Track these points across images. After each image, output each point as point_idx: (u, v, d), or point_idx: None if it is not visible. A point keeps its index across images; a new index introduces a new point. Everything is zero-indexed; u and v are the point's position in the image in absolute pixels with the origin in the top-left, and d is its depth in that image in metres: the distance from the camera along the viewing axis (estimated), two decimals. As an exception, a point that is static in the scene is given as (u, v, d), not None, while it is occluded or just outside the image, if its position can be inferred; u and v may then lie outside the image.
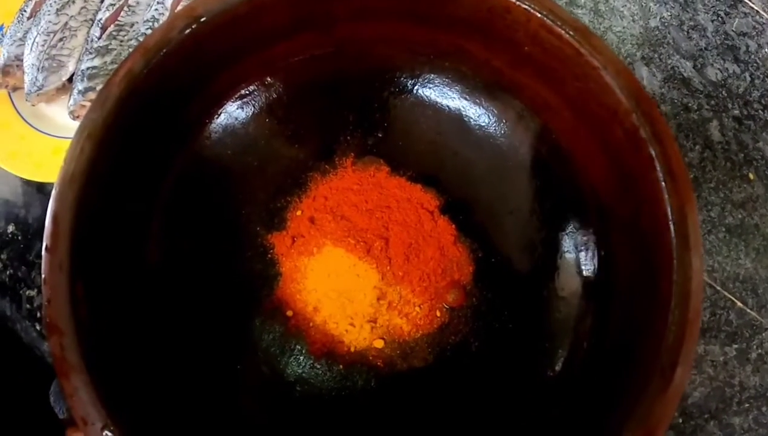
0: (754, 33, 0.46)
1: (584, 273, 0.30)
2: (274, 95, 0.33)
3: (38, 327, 0.39)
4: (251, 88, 0.33)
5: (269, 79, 0.33)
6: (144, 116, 0.29)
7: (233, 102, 0.32)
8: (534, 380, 0.30)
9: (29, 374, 0.38)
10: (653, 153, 0.26)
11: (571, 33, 0.27)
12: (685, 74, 0.44)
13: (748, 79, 0.44)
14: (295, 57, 0.32)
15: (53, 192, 0.27)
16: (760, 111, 0.43)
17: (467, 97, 0.33)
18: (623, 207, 0.28)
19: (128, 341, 0.28)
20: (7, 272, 0.40)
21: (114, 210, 0.28)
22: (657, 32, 0.45)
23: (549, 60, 0.29)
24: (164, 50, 0.28)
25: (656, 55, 0.44)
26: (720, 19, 0.46)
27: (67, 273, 0.26)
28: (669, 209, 0.25)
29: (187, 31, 0.28)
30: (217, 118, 0.32)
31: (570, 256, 0.31)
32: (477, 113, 0.33)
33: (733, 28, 0.46)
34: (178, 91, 0.30)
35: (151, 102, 0.29)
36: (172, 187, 0.31)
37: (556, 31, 0.28)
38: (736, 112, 0.43)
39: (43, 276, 0.26)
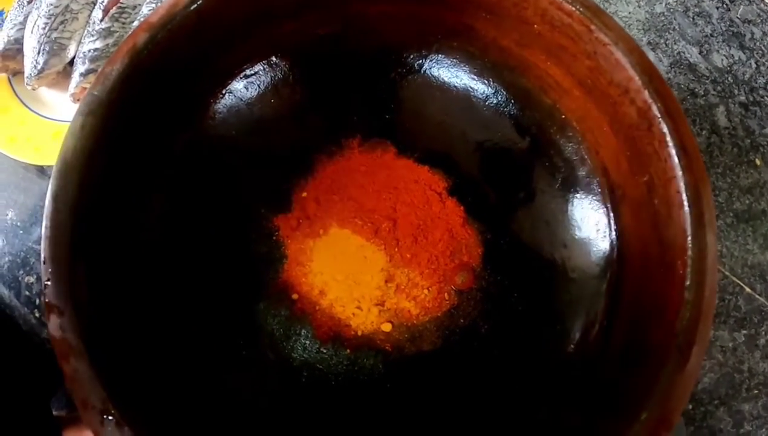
0: (759, 20, 0.46)
1: (596, 253, 0.30)
2: (280, 75, 0.33)
3: (37, 314, 0.39)
4: (257, 67, 0.32)
5: (275, 59, 0.32)
6: (147, 94, 0.28)
7: (238, 81, 0.32)
8: (545, 363, 0.29)
9: (28, 362, 0.37)
10: (666, 130, 0.26)
11: (581, 9, 0.27)
12: (691, 60, 0.43)
13: (754, 65, 0.44)
14: (302, 36, 0.32)
15: (53, 170, 0.26)
16: (766, 97, 0.43)
17: (475, 77, 0.33)
18: (635, 185, 0.28)
19: (130, 323, 0.27)
20: (6, 259, 0.39)
21: (115, 189, 0.28)
22: (662, 18, 0.44)
23: (559, 38, 0.29)
24: (168, 26, 0.28)
25: (662, 41, 0.44)
26: (725, 5, 0.45)
27: (67, 253, 0.25)
28: (683, 186, 0.25)
29: (193, 7, 0.28)
30: (222, 97, 0.32)
31: (581, 236, 0.31)
32: (485, 93, 0.33)
33: (738, 15, 0.45)
34: (182, 69, 0.29)
35: (155, 79, 0.28)
36: (176, 167, 0.30)
37: (567, 8, 0.27)
38: (743, 98, 0.43)
39: (42, 256, 0.25)
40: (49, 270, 0.25)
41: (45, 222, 0.26)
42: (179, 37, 0.28)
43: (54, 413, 0.37)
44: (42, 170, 0.41)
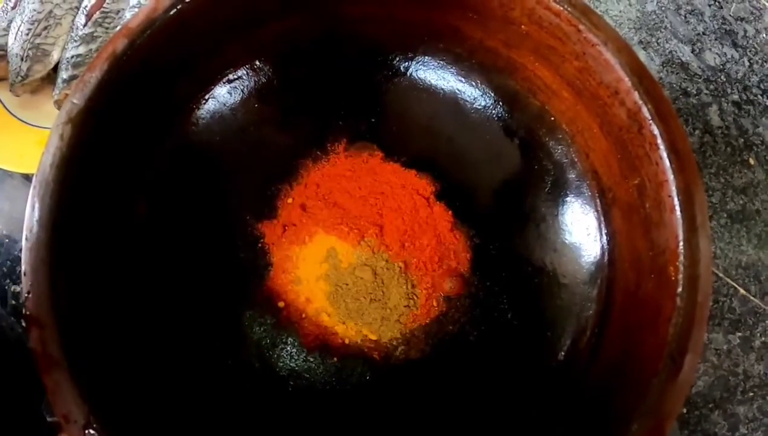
0: (752, 18, 0.45)
1: (586, 259, 0.29)
2: (264, 79, 0.32)
3: (24, 323, 0.38)
4: (240, 72, 0.32)
5: (258, 63, 0.32)
6: (127, 100, 0.28)
7: (221, 86, 0.31)
8: (536, 371, 0.29)
9: (16, 370, 0.37)
10: (657, 132, 0.25)
11: (569, 9, 0.27)
12: (683, 59, 0.43)
13: (747, 64, 0.44)
14: (286, 39, 0.31)
15: (33, 180, 0.26)
16: (759, 96, 0.43)
17: (462, 79, 0.32)
18: (626, 189, 0.27)
19: (112, 334, 0.26)
20: (-9, 268, 0.39)
21: (97, 198, 0.27)
22: (654, 16, 0.44)
23: (547, 38, 0.28)
24: (148, 31, 0.27)
25: (654, 40, 0.43)
26: (717, 3, 0.45)
27: (48, 264, 0.25)
28: (674, 190, 0.24)
29: (173, 11, 0.27)
30: (205, 103, 0.31)
31: (571, 240, 0.30)
32: (473, 96, 0.32)
33: (731, 13, 0.45)
34: (163, 75, 0.29)
35: (135, 86, 0.28)
36: (159, 174, 0.30)
37: (554, 7, 0.27)
38: (736, 97, 0.42)
39: (23, 267, 0.25)
40: (29, 282, 0.25)
41: (24, 233, 0.25)
42: (160, 42, 0.28)
43: (48, 419, 0.36)
44: (28, 178, 0.40)
